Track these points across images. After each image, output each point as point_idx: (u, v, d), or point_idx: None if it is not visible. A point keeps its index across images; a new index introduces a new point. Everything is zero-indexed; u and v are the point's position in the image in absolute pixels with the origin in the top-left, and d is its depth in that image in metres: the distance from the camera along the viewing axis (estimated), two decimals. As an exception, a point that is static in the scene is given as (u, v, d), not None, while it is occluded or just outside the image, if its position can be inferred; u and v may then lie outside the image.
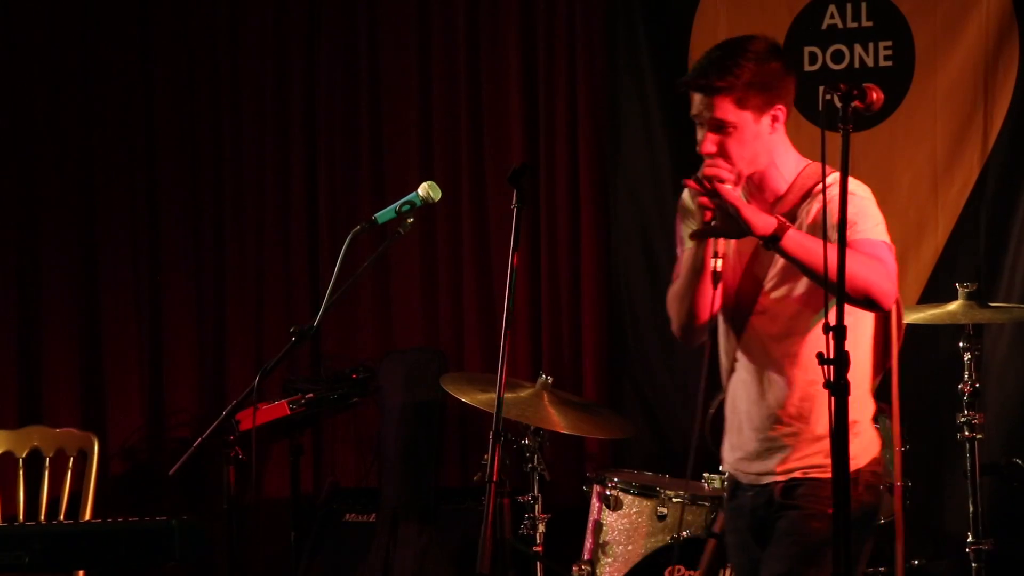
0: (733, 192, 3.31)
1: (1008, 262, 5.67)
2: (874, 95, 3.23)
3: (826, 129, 3.12)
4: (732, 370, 3.59)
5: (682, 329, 3.56)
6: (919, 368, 5.66)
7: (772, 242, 3.27)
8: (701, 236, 3.39)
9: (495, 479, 3.55)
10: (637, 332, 6.13)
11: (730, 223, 3.28)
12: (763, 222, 3.26)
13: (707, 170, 3.36)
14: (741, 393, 3.57)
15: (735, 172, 3.38)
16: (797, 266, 3.30)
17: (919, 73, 5.76)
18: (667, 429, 6.07)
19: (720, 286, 3.44)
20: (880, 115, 4.56)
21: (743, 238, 3.36)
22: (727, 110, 3.39)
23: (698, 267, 3.44)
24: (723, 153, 3.40)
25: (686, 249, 3.52)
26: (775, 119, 3.46)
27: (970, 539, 4.99)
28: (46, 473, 5.77)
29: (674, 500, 5.04)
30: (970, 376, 4.97)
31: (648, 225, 6.12)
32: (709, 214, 3.33)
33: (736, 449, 3.63)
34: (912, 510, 4.92)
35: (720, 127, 3.41)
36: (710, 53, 3.47)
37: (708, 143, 3.42)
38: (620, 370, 6.16)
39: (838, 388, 3.04)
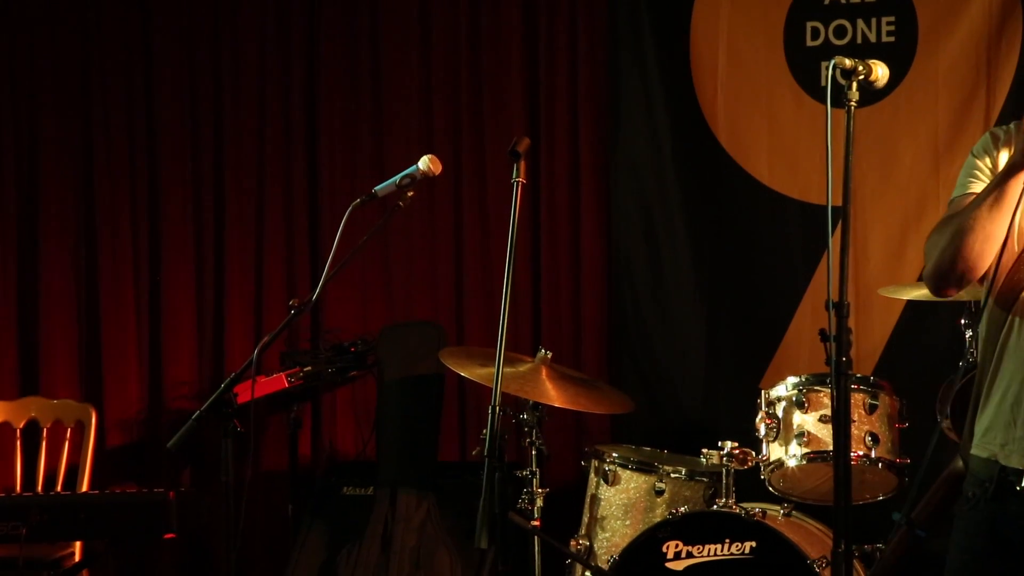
0: None
1: (1010, 238, 5.64)
2: (879, 71, 3.23)
3: (830, 105, 3.11)
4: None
5: (954, 272, 3.16)
6: (920, 345, 5.67)
7: None
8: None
9: (493, 453, 3.55)
10: (637, 307, 6.12)
11: None
12: None
13: None
14: None
15: None
16: None
17: (922, 49, 5.74)
18: (666, 404, 6.07)
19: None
20: (882, 91, 4.52)
21: None
22: None
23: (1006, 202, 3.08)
24: None
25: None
26: None
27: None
28: (43, 444, 5.78)
29: (672, 475, 5.04)
30: (971, 352, 4.95)
31: (648, 201, 6.11)
32: None
33: None
34: (913, 487, 4.91)
35: None
36: None
37: None
38: (620, 345, 6.16)
39: (838, 367, 3.03)
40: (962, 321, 4.97)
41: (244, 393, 4.78)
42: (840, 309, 3.03)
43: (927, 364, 5.54)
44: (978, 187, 3.18)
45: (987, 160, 3.22)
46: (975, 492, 3.21)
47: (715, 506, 4.86)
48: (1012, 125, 3.18)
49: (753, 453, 4.88)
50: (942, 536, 4.14)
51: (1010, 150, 3.13)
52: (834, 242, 3.18)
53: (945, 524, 3.56)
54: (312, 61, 6.43)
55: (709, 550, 4.70)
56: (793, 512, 4.91)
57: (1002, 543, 3.14)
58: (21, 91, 6.53)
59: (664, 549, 4.73)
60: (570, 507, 5.34)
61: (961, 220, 3.09)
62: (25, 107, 6.53)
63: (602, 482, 5.10)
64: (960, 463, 3.45)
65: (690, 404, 6.06)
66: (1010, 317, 3.15)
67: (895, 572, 4.63)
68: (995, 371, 3.18)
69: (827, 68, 3.18)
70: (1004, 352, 3.16)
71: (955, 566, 3.24)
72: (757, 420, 4.93)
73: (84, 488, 5.67)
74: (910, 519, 4.66)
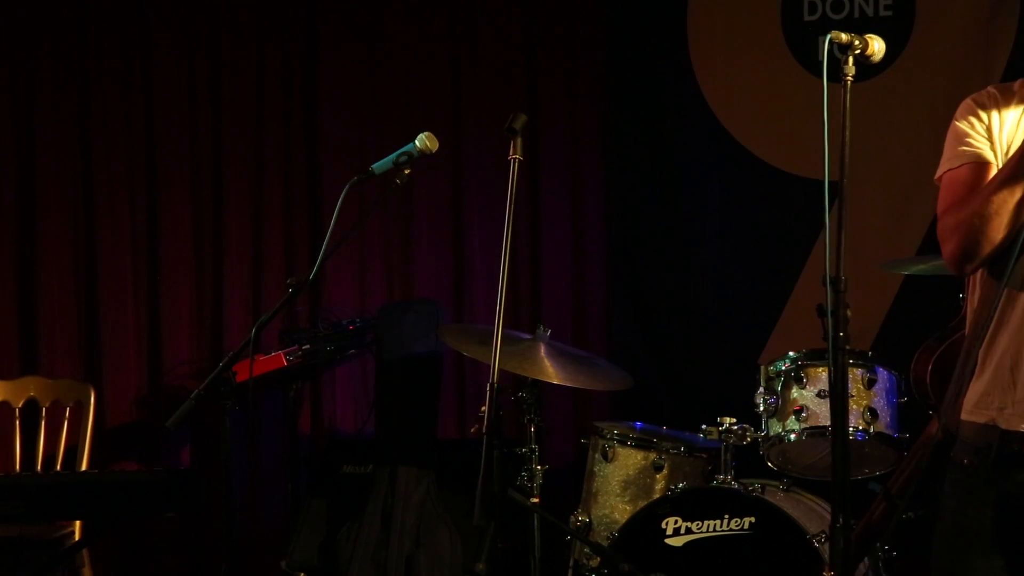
0: None
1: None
2: (875, 46, 3.22)
3: (826, 80, 3.11)
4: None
5: (982, 253, 3.07)
6: (919, 320, 5.66)
7: None
8: None
9: (492, 431, 3.55)
10: (636, 284, 6.12)
11: None
12: None
13: None
14: None
15: None
16: None
17: (919, 24, 5.73)
18: (665, 381, 6.08)
19: None
20: (880, 66, 4.50)
21: None
22: None
23: None
24: None
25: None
26: None
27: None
28: (42, 423, 5.78)
29: (671, 451, 5.04)
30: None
31: (647, 177, 6.12)
32: None
33: None
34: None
35: None
36: None
37: None
38: (619, 322, 6.16)
39: (834, 342, 3.02)
40: (960, 295, 4.96)
41: (243, 372, 4.79)
42: (836, 284, 3.03)
43: (927, 337, 5.53)
44: (977, 154, 3.13)
45: (976, 124, 3.15)
46: (970, 459, 3.11)
47: (714, 482, 4.86)
48: (993, 89, 3.15)
49: (752, 429, 4.88)
50: (919, 505, 4.13)
51: (1001, 111, 3.11)
52: (831, 217, 3.17)
53: (921, 492, 3.53)
54: (312, 28, 6.42)
55: (708, 526, 4.71)
56: (792, 487, 4.91)
57: (1011, 510, 3.05)
58: (19, 68, 6.51)
59: (663, 525, 4.74)
60: (569, 484, 5.35)
61: (984, 201, 3.02)
62: (22, 82, 6.50)
63: (601, 458, 5.10)
64: (935, 429, 3.39)
65: (689, 380, 6.06)
66: (1007, 284, 3.07)
67: (872, 540, 4.65)
68: (992, 337, 3.11)
69: (824, 43, 3.16)
70: (1002, 318, 3.10)
71: (952, 534, 3.13)
72: (756, 396, 4.94)
73: (83, 467, 5.68)
74: (886, 488, 4.68)
